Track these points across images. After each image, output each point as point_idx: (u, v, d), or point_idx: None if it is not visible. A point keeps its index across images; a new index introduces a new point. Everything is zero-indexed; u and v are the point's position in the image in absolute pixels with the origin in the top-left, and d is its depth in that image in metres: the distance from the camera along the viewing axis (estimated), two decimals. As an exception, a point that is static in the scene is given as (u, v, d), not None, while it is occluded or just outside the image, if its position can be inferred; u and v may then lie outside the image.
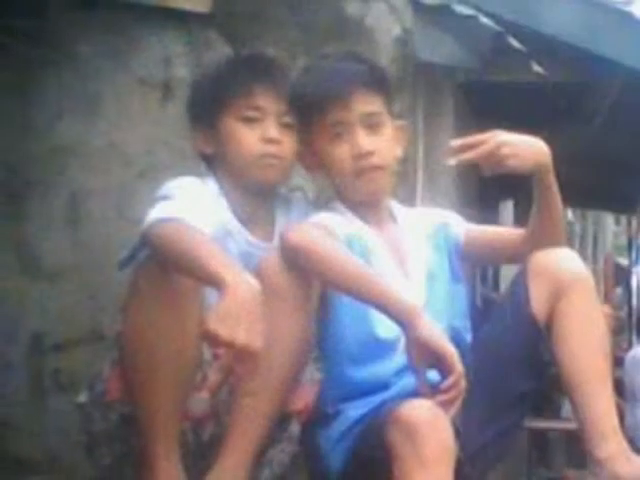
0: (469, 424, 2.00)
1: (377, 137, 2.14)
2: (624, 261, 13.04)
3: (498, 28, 3.44)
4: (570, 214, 12.30)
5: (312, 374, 2.07)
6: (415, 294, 2.10)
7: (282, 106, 2.17)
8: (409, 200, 2.97)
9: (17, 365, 2.85)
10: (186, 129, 2.31)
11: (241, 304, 1.71)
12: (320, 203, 2.31)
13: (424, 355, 1.86)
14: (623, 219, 12.73)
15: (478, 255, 2.35)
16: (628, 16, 4.15)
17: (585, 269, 2.14)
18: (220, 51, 2.94)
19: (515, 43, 3.48)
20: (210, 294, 1.84)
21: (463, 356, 1.88)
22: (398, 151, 2.23)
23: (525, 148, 2.09)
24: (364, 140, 2.12)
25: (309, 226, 2.04)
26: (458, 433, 1.86)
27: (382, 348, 2.07)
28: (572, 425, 2.76)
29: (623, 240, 13.23)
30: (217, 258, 1.78)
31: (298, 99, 2.15)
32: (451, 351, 1.85)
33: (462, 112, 4.08)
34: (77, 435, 2.13)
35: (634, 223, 10.60)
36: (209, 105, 2.19)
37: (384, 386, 2.06)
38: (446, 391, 1.84)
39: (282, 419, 2.02)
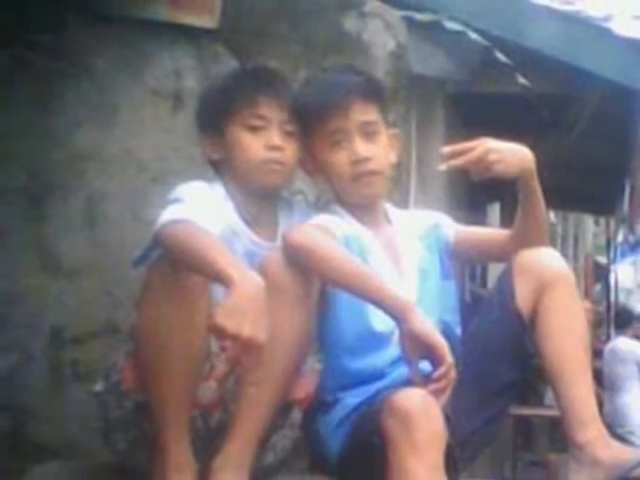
0: (459, 411, 2.00)
1: (373, 144, 2.14)
2: (603, 260, 13.02)
3: (486, 43, 3.44)
4: (552, 216, 12.28)
5: (312, 365, 2.07)
6: (408, 290, 2.10)
7: (285, 115, 2.16)
8: (403, 203, 2.96)
9: (38, 356, 2.85)
10: (195, 137, 2.31)
11: (247, 300, 1.71)
12: (320, 206, 2.31)
13: (417, 347, 1.85)
14: (602, 220, 12.71)
15: (467, 254, 2.34)
16: (607, 31, 4.15)
17: (566, 267, 2.13)
18: (227, 64, 2.94)
19: (502, 57, 3.48)
20: (217, 291, 1.84)
21: (453, 348, 1.88)
22: (393, 157, 2.22)
23: (511, 155, 2.09)
24: (361, 147, 2.12)
25: (310, 227, 2.03)
26: (448, 420, 1.85)
27: (378, 340, 2.07)
28: (555, 412, 2.75)
29: (602, 240, 13.21)
30: (224, 257, 1.78)
31: (300, 109, 2.15)
32: (442, 343, 1.85)
33: (452, 121, 4.08)
34: (94, 422, 2.13)
35: (612, 224, 10.58)
36: (216, 114, 2.18)
37: (380, 376, 2.06)
38: (437, 380, 1.84)
39: (285, 407, 2.02)
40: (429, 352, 1.85)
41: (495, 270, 5.86)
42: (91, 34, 2.92)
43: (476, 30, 3.45)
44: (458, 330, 2.20)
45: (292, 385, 2.00)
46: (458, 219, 2.41)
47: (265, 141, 2.14)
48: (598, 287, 13.82)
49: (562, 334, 2.06)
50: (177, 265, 1.86)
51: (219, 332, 1.71)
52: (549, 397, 6.46)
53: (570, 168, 5.99)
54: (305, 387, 2.05)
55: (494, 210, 8.01)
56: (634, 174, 5.40)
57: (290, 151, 2.17)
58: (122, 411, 2.00)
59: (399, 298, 1.88)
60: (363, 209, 2.19)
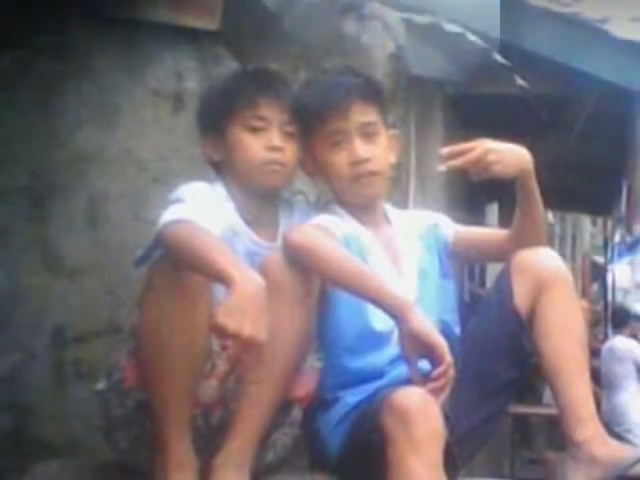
0: (457, 410, 2.00)
1: (373, 145, 2.14)
2: (600, 260, 13.03)
3: (484, 45, 3.45)
4: (550, 216, 12.27)
5: (313, 364, 2.07)
6: (407, 290, 2.10)
7: (285, 116, 2.16)
8: (402, 203, 2.96)
9: (41, 355, 2.85)
10: (196, 137, 2.31)
11: (247, 299, 1.71)
12: (320, 206, 2.31)
13: (416, 346, 1.86)
14: (599, 221, 12.71)
15: (466, 254, 2.34)
16: (604, 33, 4.16)
17: (564, 267, 2.14)
18: (228, 66, 2.94)
19: (500, 58, 3.48)
20: (218, 290, 1.84)
21: (452, 347, 1.88)
22: (392, 158, 2.23)
23: (509, 155, 2.09)
24: (361, 148, 2.12)
25: (310, 227, 2.04)
26: (447, 418, 1.86)
27: (377, 339, 2.07)
28: (553, 410, 2.76)
29: (599, 240, 13.21)
30: (225, 257, 1.78)
31: (300, 110, 2.15)
32: (441, 342, 1.85)
33: (451, 122, 4.08)
34: (96, 420, 2.13)
35: (609, 224, 10.58)
36: (217, 115, 2.19)
37: (379, 375, 2.06)
38: (436, 379, 1.84)
39: (285, 405, 2.03)
40: (428, 351, 1.85)
41: (494, 270, 5.86)
42: (93, 35, 2.91)
43: (475, 32, 3.45)
44: (457, 329, 2.20)
45: (292, 383, 2.00)
46: (457, 219, 2.41)
47: (265, 142, 2.14)
48: (595, 287, 13.82)
49: (560, 333, 2.06)
50: (178, 265, 1.86)
51: (220, 331, 1.71)
52: (547, 396, 6.46)
53: (568, 168, 5.99)
54: (305, 385, 2.06)
55: (492, 210, 8.01)
56: (631, 174, 5.40)
57: (290, 152, 2.17)
58: (124, 410, 2.00)
59: (398, 297, 1.88)
60: (363, 209, 2.19)
